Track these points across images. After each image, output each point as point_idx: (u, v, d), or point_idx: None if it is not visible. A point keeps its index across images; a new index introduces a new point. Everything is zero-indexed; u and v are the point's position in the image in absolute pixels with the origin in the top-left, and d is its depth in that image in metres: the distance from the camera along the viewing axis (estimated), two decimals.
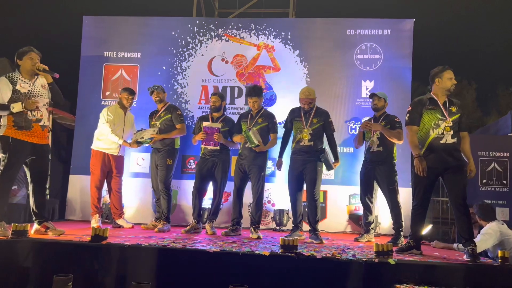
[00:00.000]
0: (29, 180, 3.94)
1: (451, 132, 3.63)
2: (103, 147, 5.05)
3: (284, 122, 4.88)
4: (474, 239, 4.05)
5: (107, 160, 5.07)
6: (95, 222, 4.91)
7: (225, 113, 5.19)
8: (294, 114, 4.70)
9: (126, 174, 5.55)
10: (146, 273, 3.15)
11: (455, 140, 3.63)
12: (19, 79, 3.80)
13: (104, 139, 5.05)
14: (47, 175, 4.18)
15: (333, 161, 4.61)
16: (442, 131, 3.63)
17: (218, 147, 4.79)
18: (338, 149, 5.73)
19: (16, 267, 3.24)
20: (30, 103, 3.74)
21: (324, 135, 4.65)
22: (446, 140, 3.62)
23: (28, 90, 3.81)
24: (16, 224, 3.50)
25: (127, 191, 5.70)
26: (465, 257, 3.42)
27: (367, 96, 5.43)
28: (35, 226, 3.87)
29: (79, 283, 2.98)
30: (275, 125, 4.73)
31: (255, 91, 4.71)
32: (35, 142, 3.84)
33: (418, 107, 3.76)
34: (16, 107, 3.71)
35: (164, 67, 6.11)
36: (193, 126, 5.42)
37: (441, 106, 3.70)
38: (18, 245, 3.32)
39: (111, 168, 5.11)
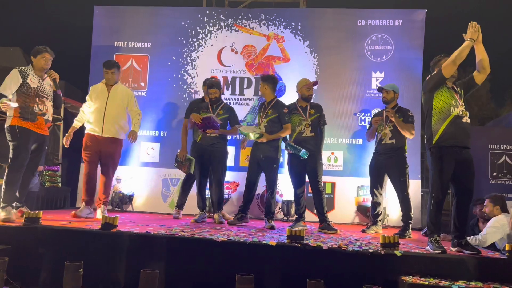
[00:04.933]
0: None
1: (467, 114, 3.55)
2: (88, 127, 4.62)
3: None
4: (481, 233, 4.05)
5: (94, 142, 4.52)
6: (79, 210, 4.49)
7: (222, 99, 5.06)
8: (291, 108, 4.70)
9: (136, 164, 5.59)
10: (155, 261, 3.20)
11: (469, 121, 3.55)
12: (31, 74, 4.03)
13: (88, 118, 4.62)
14: (39, 164, 4.36)
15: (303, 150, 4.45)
16: (461, 112, 3.52)
17: (217, 134, 4.71)
18: (348, 140, 5.74)
19: (29, 254, 3.32)
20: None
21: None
22: (466, 121, 3.51)
23: (37, 86, 4.04)
24: (29, 211, 3.58)
25: (137, 180, 5.77)
26: (451, 248, 3.40)
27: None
28: (14, 211, 3.87)
29: (89, 270, 3.05)
30: (285, 116, 4.61)
31: (263, 78, 4.79)
32: (38, 132, 4.05)
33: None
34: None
35: (174, 57, 6.12)
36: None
37: (453, 91, 3.59)
38: (31, 232, 3.41)
39: (100, 152, 4.53)
